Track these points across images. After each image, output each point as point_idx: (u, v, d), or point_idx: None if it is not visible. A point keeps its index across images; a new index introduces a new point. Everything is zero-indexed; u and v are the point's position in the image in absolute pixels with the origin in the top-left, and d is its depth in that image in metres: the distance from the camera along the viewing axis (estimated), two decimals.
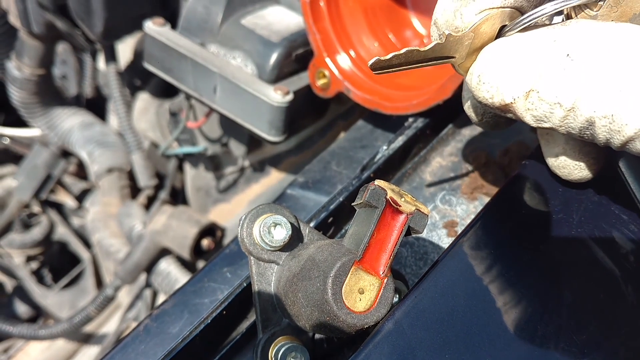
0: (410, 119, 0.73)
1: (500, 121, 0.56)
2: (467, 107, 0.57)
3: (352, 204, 0.49)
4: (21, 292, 1.45)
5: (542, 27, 0.47)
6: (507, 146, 0.71)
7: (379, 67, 0.47)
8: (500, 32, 0.48)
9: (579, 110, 0.43)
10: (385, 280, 0.47)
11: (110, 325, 1.35)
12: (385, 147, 0.71)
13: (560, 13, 0.48)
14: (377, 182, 0.48)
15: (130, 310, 1.26)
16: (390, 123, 0.80)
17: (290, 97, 0.80)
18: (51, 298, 1.40)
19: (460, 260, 0.50)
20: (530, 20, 0.46)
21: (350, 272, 0.46)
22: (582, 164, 0.52)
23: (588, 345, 0.46)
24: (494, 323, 0.46)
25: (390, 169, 0.71)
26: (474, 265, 0.50)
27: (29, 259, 1.43)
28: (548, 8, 0.46)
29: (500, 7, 0.46)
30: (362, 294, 0.46)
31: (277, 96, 0.79)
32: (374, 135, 0.81)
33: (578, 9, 0.47)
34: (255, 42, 0.83)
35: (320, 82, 0.80)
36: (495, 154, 0.71)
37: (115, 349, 0.62)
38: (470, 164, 0.71)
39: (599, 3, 0.46)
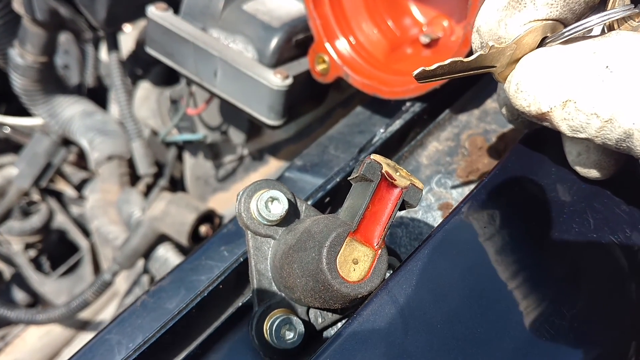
0: (408, 103, 0.74)
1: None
2: (504, 110, 0.58)
3: (348, 178, 0.50)
4: (19, 279, 1.46)
5: (582, 39, 0.47)
6: (503, 131, 0.72)
7: (423, 76, 0.47)
8: (541, 43, 0.48)
9: (616, 122, 0.43)
10: (379, 251, 0.47)
11: (107, 312, 1.36)
12: (382, 130, 0.71)
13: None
14: (373, 156, 0.48)
15: (128, 297, 1.27)
16: (388, 109, 0.81)
17: (289, 80, 0.80)
18: (49, 285, 1.41)
19: (452, 234, 0.51)
20: (573, 33, 0.46)
21: (345, 243, 0.47)
22: (604, 164, 0.51)
23: (579, 320, 0.47)
24: (484, 296, 0.47)
25: (387, 151, 0.71)
26: (466, 240, 0.51)
27: (28, 246, 1.44)
28: (593, 21, 0.46)
29: (545, 19, 0.46)
30: (357, 264, 0.47)
31: (277, 80, 0.80)
32: (372, 121, 0.82)
33: (621, 20, 0.47)
34: (256, 27, 0.84)
35: (320, 67, 0.80)
36: (491, 139, 0.72)
37: (113, 323, 0.63)
38: (467, 149, 0.71)
39: None
